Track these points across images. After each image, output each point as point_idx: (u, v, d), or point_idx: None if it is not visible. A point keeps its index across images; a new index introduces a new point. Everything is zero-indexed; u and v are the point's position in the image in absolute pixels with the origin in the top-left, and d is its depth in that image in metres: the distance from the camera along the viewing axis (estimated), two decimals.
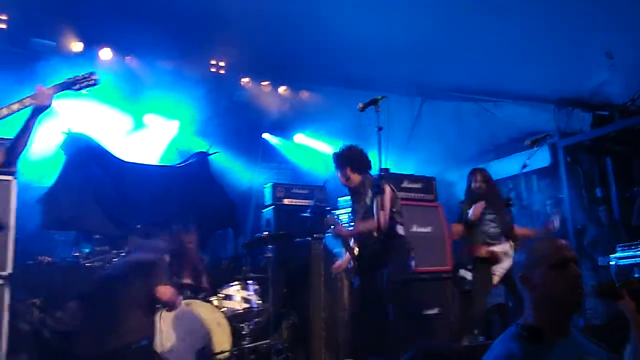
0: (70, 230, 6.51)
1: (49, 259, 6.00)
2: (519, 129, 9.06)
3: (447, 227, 6.82)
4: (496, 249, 5.82)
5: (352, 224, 5.46)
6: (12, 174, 5.22)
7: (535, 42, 7.08)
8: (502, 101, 9.04)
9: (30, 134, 3.80)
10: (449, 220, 6.66)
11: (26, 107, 3.87)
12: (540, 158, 8.78)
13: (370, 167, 5.37)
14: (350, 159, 5.33)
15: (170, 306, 4.37)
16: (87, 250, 6.24)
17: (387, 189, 5.11)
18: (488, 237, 5.87)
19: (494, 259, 5.79)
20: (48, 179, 6.47)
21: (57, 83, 4.01)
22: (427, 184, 7.28)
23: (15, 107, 3.84)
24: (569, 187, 8.97)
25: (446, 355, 2.06)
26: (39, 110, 3.88)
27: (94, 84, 4.10)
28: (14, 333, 5.01)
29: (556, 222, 5.93)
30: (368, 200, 5.17)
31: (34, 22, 7.34)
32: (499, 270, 5.76)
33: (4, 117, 3.83)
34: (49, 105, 3.90)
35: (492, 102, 9.08)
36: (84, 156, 6.56)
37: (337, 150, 5.41)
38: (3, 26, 7.12)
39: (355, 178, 5.33)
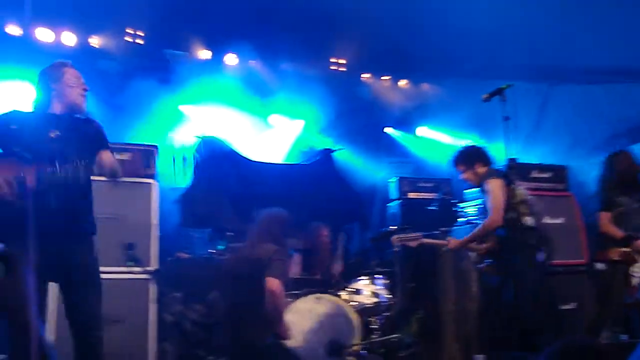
0: (205, 227, 6.87)
1: (187, 255, 6.37)
2: None
3: (581, 218, 6.46)
4: None
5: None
6: (153, 177, 5.62)
7: None
8: (636, 82, 8.39)
9: None
10: (589, 210, 6.26)
11: None
12: None
13: (492, 162, 5.25)
14: (479, 155, 5.23)
15: (275, 299, 4.44)
16: (221, 247, 6.56)
17: (492, 181, 4.94)
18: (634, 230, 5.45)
19: (630, 259, 5.41)
20: (184, 181, 6.86)
21: None
22: (558, 172, 6.93)
23: None
24: None
25: (591, 350, 1.93)
26: None
27: None
28: (160, 324, 5.40)
29: None
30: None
31: (166, 35, 7.86)
32: (638, 271, 5.36)
33: None
34: None
35: (625, 83, 8.45)
36: (216, 158, 6.90)
37: (462, 149, 5.28)
38: (140, 42, 7.68)
39: (483, 172, 5.18)
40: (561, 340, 2.01)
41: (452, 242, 5.34)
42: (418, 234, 5.44)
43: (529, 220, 4.94)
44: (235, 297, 4.57)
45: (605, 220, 5.60)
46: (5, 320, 3.50)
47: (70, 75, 3.97)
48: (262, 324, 4.37)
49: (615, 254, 5.47)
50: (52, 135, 3.77)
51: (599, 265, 5.85)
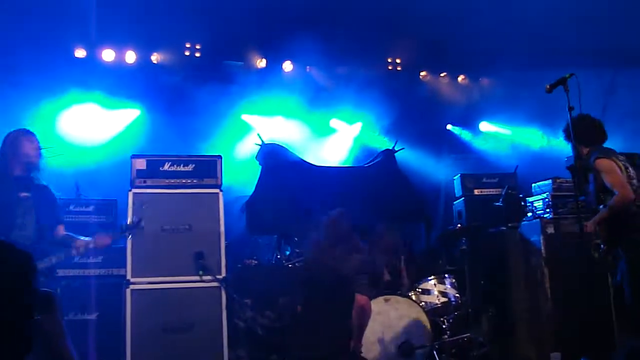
0: (271, 234, 6.96)
1: (255, 261, 6.47)
2: None
3: None
4: None
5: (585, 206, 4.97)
6: (218, 187, 5.75)
7: None
8: None
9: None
10: None
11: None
12: None
13: (599, 141, 4.92)
14: (581, 134, 4.80)
15: (362, 314, 4.38)
16: (287, 252, 6.63)
17: (602, 161, 4.67)
18: None
19: None
20: (249, 188, 6.98)
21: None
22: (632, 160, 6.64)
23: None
24: None
25: None
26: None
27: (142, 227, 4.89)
28: (232, 330, 5.50)
29: None
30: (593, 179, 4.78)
31: (224, 47, 8.04)
32: None
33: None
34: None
35: None
36: (277, 164, 6.99)
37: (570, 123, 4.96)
38: (198, 54, 7.89)
39: (585, 152, 4.90)
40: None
41: (587, 225, 4.75)
42: None
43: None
44: (318, 307, 4.53)
45: None
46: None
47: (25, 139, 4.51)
48: (343, 337, 4.34)
49: None
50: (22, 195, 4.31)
51: None
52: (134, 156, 5.69)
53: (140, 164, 5.64)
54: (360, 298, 4.26)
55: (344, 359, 4.28)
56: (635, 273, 4.50)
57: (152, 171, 5.65)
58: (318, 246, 4.76)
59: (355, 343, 4.42)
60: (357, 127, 9.09)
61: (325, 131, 9.01)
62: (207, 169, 5.81)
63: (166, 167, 5.70)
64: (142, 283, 5.32)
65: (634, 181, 4.77)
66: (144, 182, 5.60)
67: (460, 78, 9.08)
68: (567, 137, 4.86)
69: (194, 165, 5.77)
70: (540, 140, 9.20)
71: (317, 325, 4.39)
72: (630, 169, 4.80)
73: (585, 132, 4.86)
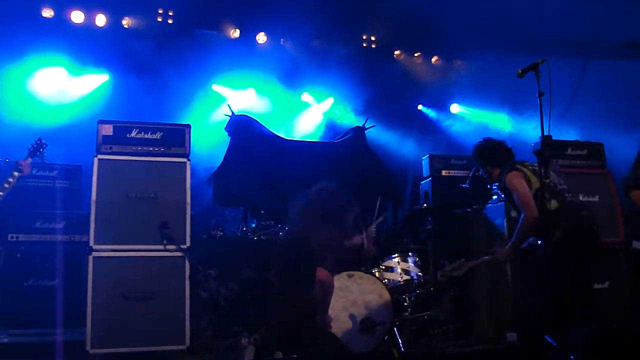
0: (238, 206, 6.93)
1: (221, 233, 6.45)
2: None
3: (618, 195, 6.31)
4: None
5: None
6: (186, 156, 5.68)
7: None
8: None
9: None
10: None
11: (17, 179, 5.02)
12: None
13: (509, 159, 5.03)
14: (486, 155, 5.06)
15: (324, 289, 4.38)
16: (253, 225, 6.61)
17: (510, 176, 4.79)
18: None
19: None
20: (217, 159, 6.92)
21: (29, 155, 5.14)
22: (594, 150, 6.76)
23: (8, 185, 4.95)
24: None
25: (627, 335, 1.90)
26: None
27: (46, 146, 5.21)
28: (194, 300, 5.49)
29: None
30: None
31: (196, 15, 7.88)
32: None
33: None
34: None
35: None
36: (247, 136, 6.93)
37: (474, 148, 5.14)
38: (170, 21, 7.73)
39: (496, 173, 5.05)
40: (597, 323, 1.99)
41: (500, 254, 5.01)
42: (461, 260, 5.24)
43: (553, 204, 4.71)
44: (281, 275, 4.54)
45: (639, 197, 5.49)
46: None
47: None
48: (303, 309, 4.35)
49: None
50: None
51: (636, 244, 5.75)
52: (101, 121, 5.58)
53: (107, 129, 5.53)
54: (321, 272, 4.26)
55: (309, 329, 4.29)
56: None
57: (119, 138, 5.55)
58: (303, 222, 4.67)
59: (321, 316, 4.43)
60: (329, 102, 9.06)
61: (296, 105, 8.96)
62: (175, 137, 5.73)
63: (133, 134, 5.61)
64: (104, 250, 5.26)
65: (561, 187, 4.82)
66: (110, 148, 5.51)
67: (434, 59, 9.09)
68: (475, 161, 5.03)
69: (161, 133, 5.69)
70: (508, 124, 9.30)
71: (283, 294, 4.40)
72: (550, 179, 4.76)
73: (494, 153, 5.04)
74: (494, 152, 5.06)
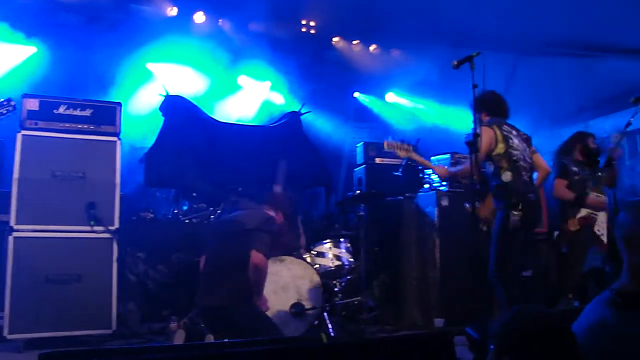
0: (169, 187, 6.80)
1: (151, 215, 6.32)
2: (622, 85, 8.47)
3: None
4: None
5: None
6: (116, 135, 5.51)
7: None
8: (603, 55, 8.47)
9: None
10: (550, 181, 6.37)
11: None
12: None
13: (499, 114, 5.18)
14: (484, 104, 5.13)
15: (257, 272, 4.37)
16: (185, 207, 6.51)
17: (484, 130, 4.90)
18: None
19: (592, 221, 5.69)
20: (150, 140, 6.75)
21: None
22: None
23: None
24: None
25: (544, 318, 1.97)
26: None
27: (13, 109, 4.69)
28: (123, 283, 5.37)
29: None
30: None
31: None
32: (601, 226, 5.59)
33: None
34: None
35: (593, 57, 8.53)
36: (181, 117, 6.77)
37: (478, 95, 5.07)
38: None
39: (486, 119, 5.16)
40: (515, 307, 2.05)
41: (440, 169, 5.38)
42: (411, 145, 5.42)
43: (506, 176, 4.89)
44: (215, 258, 4.49)
45: (560, 185, 5.81)
46: None
47: None
48: (237, 292, 4.32)
49: (572, 224, 5.65)
50: None
51: (559, 234, 6.04)
52: (26, 95, 5.31)
53: (33, 104, 5.28)
54: (255, 256, 4.24)
55: (243, 311, 4.27)
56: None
57: (46, 113, 5.31)
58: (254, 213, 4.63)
59: (256, 299, 4.43)
60: (265, 86, 8.99)
61: (232, 87, 8.84)
62: (106, 115, 5.53)
63: (61, 110, 5.38)
64: (26, 231, 5.04)
65: (516, 152, 4.97)
66: (36, 124, 5.26)
67: (372, 47, 9.14)
68: (474, 107, 5.04)
69: (92, 110, 5.49)
70: (442, 115, 9.49)
71: (216, 277, 4.37)
72: (514, 139, 5.00)
73: (493, 103, 5.18)
74: (489, 101, 5.18)
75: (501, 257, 4.81)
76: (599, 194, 5.77)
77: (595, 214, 5.75)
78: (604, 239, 5.71)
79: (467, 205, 5.30)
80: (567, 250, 5.86)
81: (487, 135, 4.89)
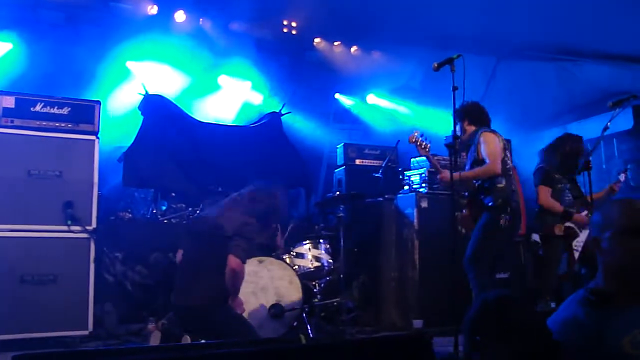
0: (148, 187, 6.74)
1: (129, 215, 6.26)
2: (600, 90, 8.57)
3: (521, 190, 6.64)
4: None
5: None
6: (94, 134, 5.45)
7: None
8: (582, 60, 8.58)
9: None
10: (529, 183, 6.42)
11: None
12: (623, 120, 8.29)
13: (486, 123, 5.38)
14: (467, 112, 5.33)
15: (234, 276, 4.34)
16: (164, 208, 6.46)
17: (488, 133, 5.11)
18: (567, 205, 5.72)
19: (572, 234, 5.70)
20: (128, 139, 6.68)
21: None
22: None
23: None
24: None
25: (505, 299, 2.06)
26: None
27: None
28: (100, 284, 5.31)
29: (622, 179, 5.94)
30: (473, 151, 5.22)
31: None
32: (579, 244, 5.66)
33: None
34: None
35: (572, 61, 8.63)
36: (161, 116, 6.73)
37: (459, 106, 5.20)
38: None
39: (471, 130, 5.35)
40: (482, 296, 2.13)
41: (445, 174, 5.29)
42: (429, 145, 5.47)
43: (501, 181, 5.08)
44: (192, 258, 4.45)
45: (545, 193, 5.77)
46: None
47: None
48: (214, 293, 4.29)
49: (558, 229, 5.67)
50: None
51: (536, 237, 6.08)
52: (1, 93, 5.22)
53: (8, 101, 5.19)
54: (232, 260, 4.21)
55: (220, 312, 4.25)
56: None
57: (22, 111, 5.22)
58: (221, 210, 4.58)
59: (232, 300, 4.40)
60: (246, 86, 8.95)
61: (212, 87, 8.79)
62: (84, 113, 5.45)
63: (38, 107, 5.30)
64: (1, 230, 4.96)
65: (508, 160, 5.19)
66: (12, 121, 5.17)
67: (354, 49, 9.15)
68: (457, 114, 5.10)
69: (69, 108, 5.41)
70: (422, 117, 9.53)
71: (192, 278, 4.33)
72: (507, 151, 5.19)
73: (476, 112, 5.35)
74: (472, 110, 5.35)
75: (477, 256, 5.01)
76: (589, 214, 5.66)
77: (578, 232, 5.70)
78: (576, 255, 5.66)
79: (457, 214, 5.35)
80: (543, 252, 5.90)
81: (495, 140, 5.10)
